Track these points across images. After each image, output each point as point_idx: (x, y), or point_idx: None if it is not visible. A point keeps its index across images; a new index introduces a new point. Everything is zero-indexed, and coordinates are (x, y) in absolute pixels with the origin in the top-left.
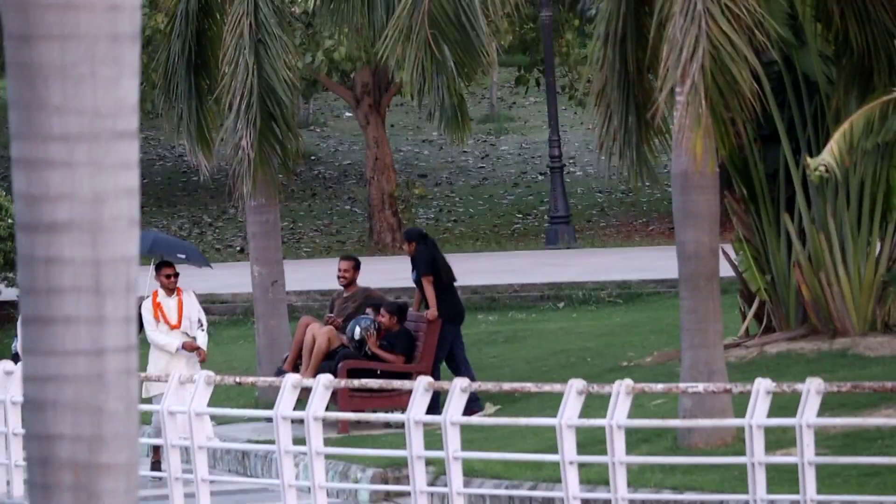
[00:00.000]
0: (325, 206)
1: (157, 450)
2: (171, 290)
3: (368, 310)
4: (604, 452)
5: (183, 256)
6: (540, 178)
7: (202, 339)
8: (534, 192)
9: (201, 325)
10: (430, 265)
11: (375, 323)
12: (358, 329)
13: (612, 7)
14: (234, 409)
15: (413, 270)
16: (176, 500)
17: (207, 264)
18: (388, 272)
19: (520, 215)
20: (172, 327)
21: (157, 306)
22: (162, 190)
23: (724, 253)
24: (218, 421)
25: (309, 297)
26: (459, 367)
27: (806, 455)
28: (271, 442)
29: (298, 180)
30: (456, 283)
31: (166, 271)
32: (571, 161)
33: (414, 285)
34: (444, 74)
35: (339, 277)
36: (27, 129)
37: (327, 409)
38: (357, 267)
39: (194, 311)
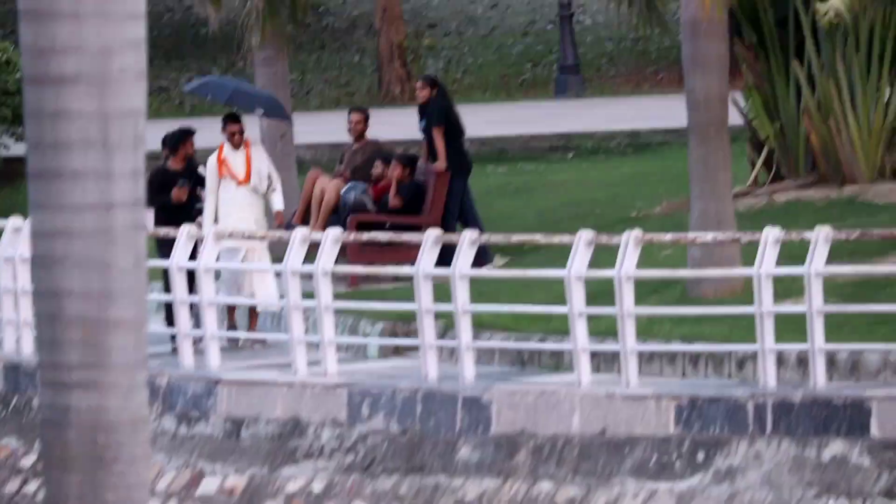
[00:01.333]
0: (334, 58)
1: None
2: (236, 145)
3: (377, 162)
4: (613, 304)
5: (261, 111)
6: (549, 27)
7: (278, 200)
8: (543, 41)
9: (271, 184)
10: (443, 116)
11: (367, 191)
12: (353, 195)
13: None
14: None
15: (421, 119)
16: (184, 356)
17: (288, 118)
18: (398, 124)
19: (529, 65)
20: (240, 182)
21: (221, 162)
22: (170, 42)
23: (734, 101)
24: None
25: (318, 151)
26: (468, 220)
27: (814, 304)
28: (281, 296)
29: (307, 32)
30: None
31: (232, 127)
32: (581, 9)
33: (421, 135)
34: None
35: (349, 130)
36: None
37: (336, 262)
38: (367, 119)
39: (264, 165)
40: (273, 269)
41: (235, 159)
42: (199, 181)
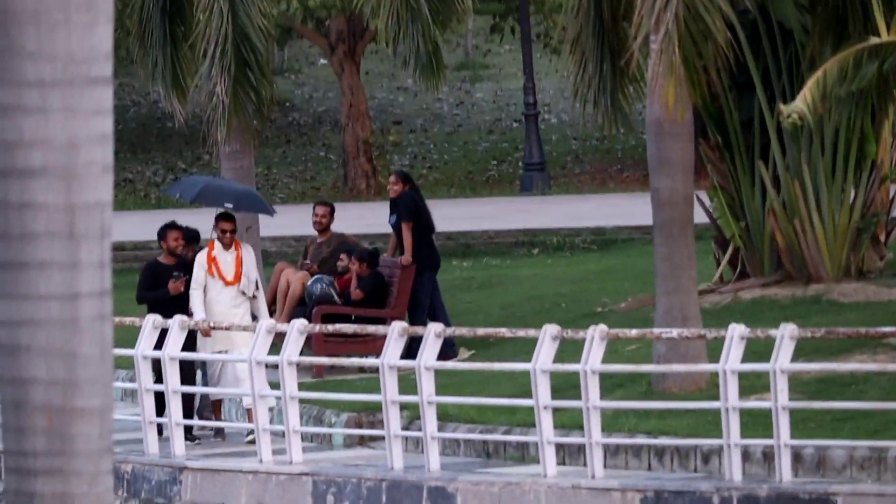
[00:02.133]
0: (300, 153)
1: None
2: (227, 245)
3: (342, 255)
4: (578, 397)
5: (230, 206)
6: (515, 125)
7: (262, 307)
8: (508, 139)
9: (257, 287)
10: (413, 212)
11: (334, 284)
12: (319, 287)
13: None
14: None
15: (392, 214)
16: (150, 444)
17: (267, 211)
18: (363, 218)
19: (494, 162)
20: (228, 283)
21: (211, 260)
22: (136, 136)
23: (699, 200)
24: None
25: (284, 243)
26: (436, 313)
27: (780, 400)
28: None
29: (273, 127)
30: (435, 231)
31: (223, 225)
32: (546, 108)
33: (391, 230)
34: (419, 22)
35: (314, 223)
36: (1, 74)
37: (301, 353)
38: (332, 212)
39: (253, 269)
40: (240, 358)
41: (225, 259)
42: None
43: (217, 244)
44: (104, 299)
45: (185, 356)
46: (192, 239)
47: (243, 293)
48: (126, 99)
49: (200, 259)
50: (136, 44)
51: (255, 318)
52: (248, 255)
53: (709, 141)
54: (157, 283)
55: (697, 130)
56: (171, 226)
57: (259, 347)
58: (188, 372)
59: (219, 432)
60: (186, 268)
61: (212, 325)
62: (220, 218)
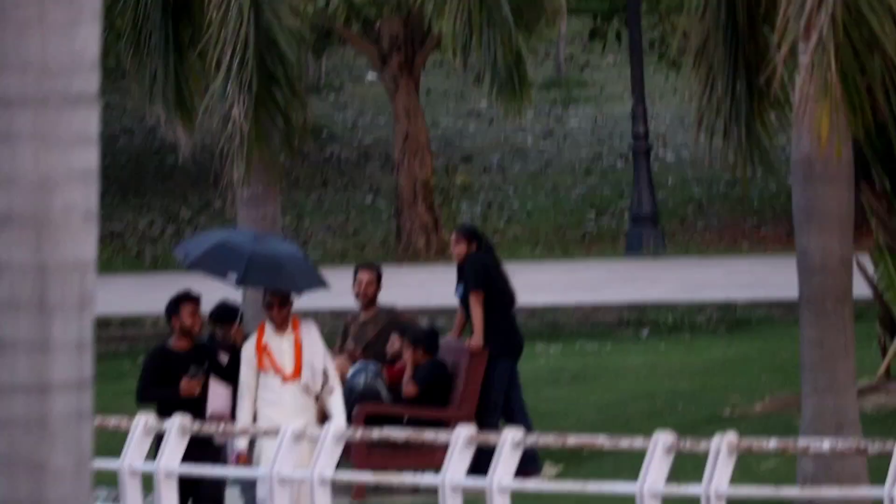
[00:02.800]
0: (340, 199)
1: None
2: (281, 326)
3: (393, 337)
4: None
5: (234, 276)
6: (620, 163)
7: (337, 405)
8: (611, 182)
9: (327, 381)
10: (483, 280)
11: (381, 375)
12: (363, 378)
13: None
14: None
15: (459, 283)
16: None
17: (321, 284)
18: (421, 286)
19: (593, 213)
20: (286, 379)
21: (261, 349)
22: (128, 175)
23: (860, 266)
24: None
25: (317, 319)
26: (514, 414)
27: None
28: None
29: (306, 163)
30: (516, 306)
31: (273, 298)
32: (661, 141)
33: (458, 303)
34: (497, 25)
35: (357, 293)
36: None
37: (338, 467)
38: (380, 279)
39: (318, 355)
40: (254, 473)
41: (280, 346)
42: (216, 368)
43: (268, 327)
44: (82, 393)
45: (191, 472)
46: (223, 317)
47: (308, 388)
48: (115, 125)
49: (248, 352)
50: (128, 51)
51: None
52: (310, 335)
53: (874, 186)
54: (167, 377)
55: (859, 172)
56: (186, 297)
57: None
58: (213, 495)
59: None
60: (206, 356)
61: (244, 453)
62: (269, 291)
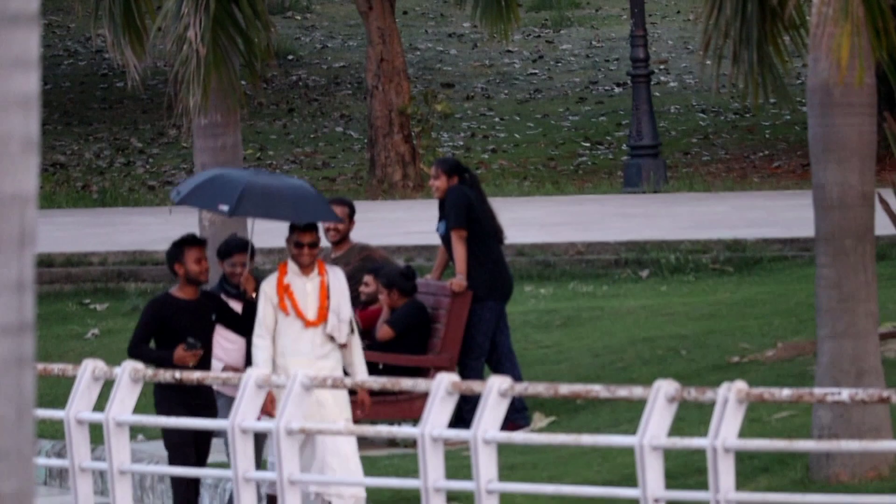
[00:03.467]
0: (308, 128)
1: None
2: (307, 265)
3: (367, 277)
4: (704, 487)
5: (224, 208)
6: (617, 90)
7: (359, 360)
8: (608, 110)
9: (353, 330)
10: (465, 214)
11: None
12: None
13: None
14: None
15: (441, 220)
16: None
17: (329, 216)
18: (398, 223)
19: (587, 144)
20: (309, 324)
21: (283, 289)
22: (72, 101)
23: (883, 201)
24: (148, 434)
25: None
26: (501, 361)
27: None
28: (224, 465)
29: (269, 89)
30: (504, 243)
31: (302, 237)
32: (662, 68)
33: (440, 241)
34: None
35: (326, 230)
36: None
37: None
38: (352, 215)
39: (345, 303)
40: (226, 425)
41: (304, 288)
42: (228, 318)
43: (291, 267)
44: (23, 337)
45: (134, 420)
46: (232, 249)
47: (332, 338)
48: (57, 47)
49: (267, 290)
50: None
51: (346, 375)
52: (338, 281)
53: None
54: (167, 333)
55: (882, 101)
56: (190, 241)
57: (244, 410)
58: (196, 450)
59: None
60: (214, 306)
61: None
62: (296, 228)
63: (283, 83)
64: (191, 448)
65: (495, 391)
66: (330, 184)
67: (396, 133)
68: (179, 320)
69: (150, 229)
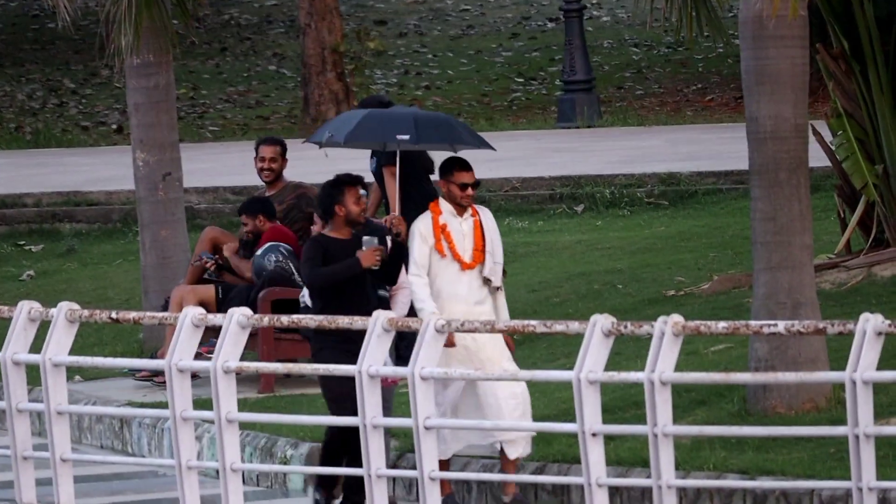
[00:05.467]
0: (241, 66)
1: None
2: (465, 206)
3: (316, 218)
4: (641, 420)
5: (405, 137)
6: (550, 25)
7: (502, 304)
8: (541, 45)
9: (504, 274)
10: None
11: (293, 254)
12: (273, 259)
13: None
14: (108, 357)
15: (372, 157)
16: (24, 487)
17: (475, 143)
18: (331, 161)
19: (520, 80)
20: (466, 266)
21: (439, 230)
22: (3, 42)
23: (816, 133)
24: (85, 375)
25: (217, 197)
26: None
27: None
28: (163, 406)
29: (202, 29)
30: (433, 177)
31: (460, 177)
32: (595, 2)
33: (373, 178)
34: None
35: (260, 169)
36: None
37: (243, 357)
38: (285, 153)
39: (498, 244)
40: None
41: (460, 229)
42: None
43: (445, 206)
44: None
45: (72, 361)
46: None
47: (488, 281)
48: None
49: (423, 229)
50: None
51: None
52: (490, 221)
53: (831, 48)
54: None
55: (814, 32)
56: (350, 181)
57: (181, 349)
58: (345, 399)
59: None
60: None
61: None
62: (452, 165)
63: (215, 22)
64: (352, 402)
65: (432, 327)
66: (263, 122)
67: (330, 71)
68: (341, 260)
69: (83, 170)
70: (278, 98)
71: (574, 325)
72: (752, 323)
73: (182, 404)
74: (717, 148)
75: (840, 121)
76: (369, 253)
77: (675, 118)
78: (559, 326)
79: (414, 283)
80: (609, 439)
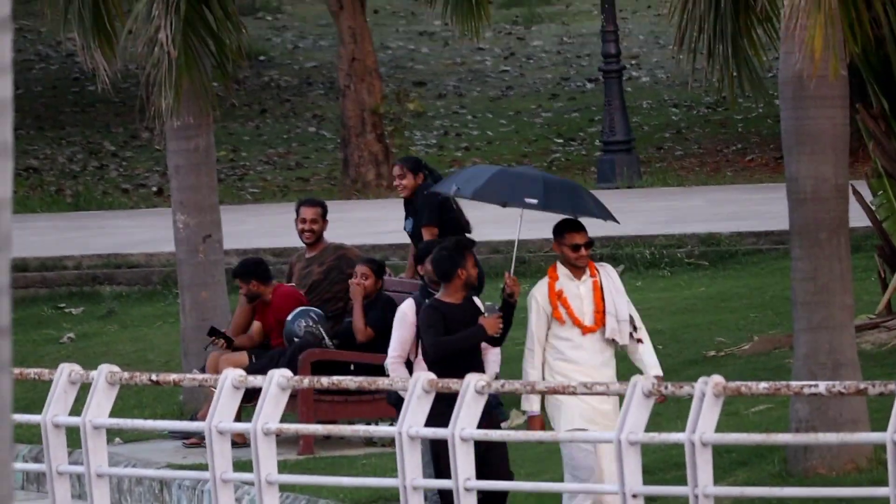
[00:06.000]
0: (280, 128)
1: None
2: (581, 267)
3: (363, 269)
4: (682, 481)
5: (533, 202)
6: (589, 86)
7: (650, 355)
8: (580, 106)
9: (634, 328)
10: (436, 211)
11: (323, 319)
12: (303, 323)
13: None
14: (148, 419)
15: (407, 217)
16: None
17: (612, 216)
18: (372, 222)
19: (560, 140)
20: (586, 330)
21: (555, 296)
22: (44, 105)
23: (857, 193)
24: (125, 437)
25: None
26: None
27: None
28: (203, 467)
29: (241, 91)
30: (471, 234)
31: (575, 238)
32: (634, 63)
33: (409, 240)
34: None
35: (300, 231)
36: None
37: (283, 419)
38: (325, 215)
39: (622, 303)
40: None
41: (577, 292)
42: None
43: (562, 270)
44: (1, 341)
45: (112, 423)
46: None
47: (611, 342)
48: (28, 51)
49: (539, 298)
50: None
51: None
52: (610, 280)
53: (871, 108)
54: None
55: (855, 93)
56: (470, 245)
57: (221, 411)
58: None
59: None
60: (477, 309)
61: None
62: (563, 227)
63: (254, 84)
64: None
65: (472, 388)
66: (303, 184)
67: (369, 132)
68: (456, 325)
69: (123, 232)
70: (318, 160)
71: (615, 386)
72: (793, 384)
73: (222, 466)
74: (758, 208)
75: (880, 181)
76: (493, 320)
77: (715, 178)
78: (599, 387)
79: (526, 357)
80: (650, 500)
